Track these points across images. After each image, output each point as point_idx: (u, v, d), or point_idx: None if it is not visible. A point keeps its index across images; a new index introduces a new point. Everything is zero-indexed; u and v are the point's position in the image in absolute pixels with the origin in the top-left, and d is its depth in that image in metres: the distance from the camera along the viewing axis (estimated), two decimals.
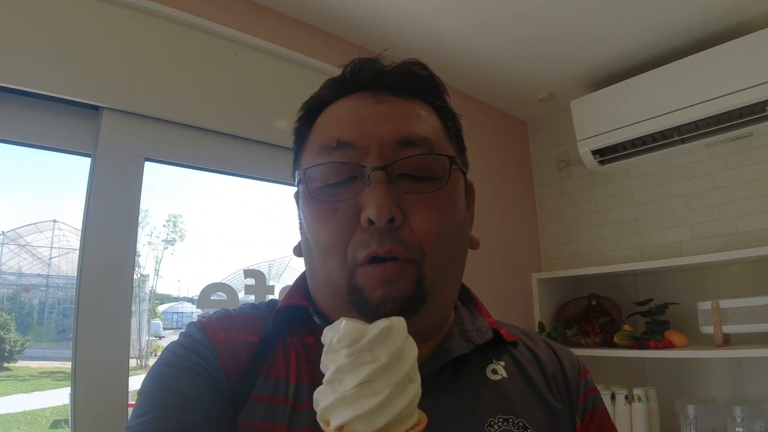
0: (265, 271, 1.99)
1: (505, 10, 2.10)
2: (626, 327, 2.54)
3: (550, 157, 3.16)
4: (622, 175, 2.81)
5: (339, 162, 0.64)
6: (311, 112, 0.74)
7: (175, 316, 2.43)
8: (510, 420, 0.64)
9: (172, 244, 2.05)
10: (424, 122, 0.68)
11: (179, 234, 2.05)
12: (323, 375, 0.57)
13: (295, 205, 0.76)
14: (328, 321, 0.67)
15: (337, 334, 0.38)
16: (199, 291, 1.78)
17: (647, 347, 2.34)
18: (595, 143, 2.59)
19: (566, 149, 3.04)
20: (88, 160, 1.56)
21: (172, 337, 1.42)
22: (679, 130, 2.36)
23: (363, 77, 0.70)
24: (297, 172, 0.71)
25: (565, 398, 0.72)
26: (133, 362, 1.74)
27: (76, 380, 1.39)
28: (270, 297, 1.89)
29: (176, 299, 2.33)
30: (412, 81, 0.70)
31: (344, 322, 0.39)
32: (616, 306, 2.73)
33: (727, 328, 2.14)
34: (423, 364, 0.62)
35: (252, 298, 1.88)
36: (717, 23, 2.24)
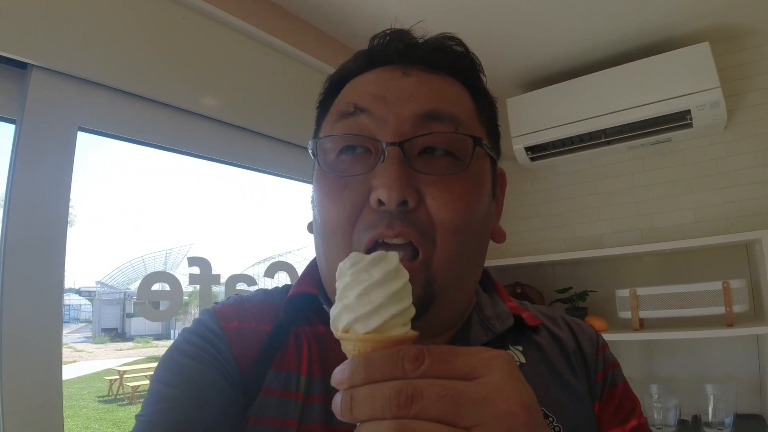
0: (161, 260, 1.90)
1: (446, 6, 2.16)
2: None
3: None
4: (549, 171, 3.00)
5: (352, 134, 0.60)
6: (335, 84, 0.70)
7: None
8: None
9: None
10: (454, 99, 0.63)
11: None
12: (334, 366, 0.60)
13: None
14: None
15: (344, 261, 0.45)
16: (90, 281, 1.66)
17: None
18: (528, 140, 2.74)
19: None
20: (11, 127, 1.34)
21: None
22: (605, 132, 2.56)
23: (392, 50, 0.65)
24: (310, 143, 0.66)
25: (584, 377, 0.70)
26: None
27: (3, 376, 1.21)
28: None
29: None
30: (446, 57, 0.65)
31: (351, 253, 0.45)
32: (539, 293, 2.92)
33: (643, 314, 2.37)
34: None
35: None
36: (646, 37, 2.46)
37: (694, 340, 2.40)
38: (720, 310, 2.16)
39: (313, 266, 0.73)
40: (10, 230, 1.28)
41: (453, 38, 0.67)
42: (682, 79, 2.28)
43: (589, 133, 2.59)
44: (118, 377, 6.74)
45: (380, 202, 0.55)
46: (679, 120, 2.34)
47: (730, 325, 2.14)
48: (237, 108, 1.85)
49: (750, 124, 2.41)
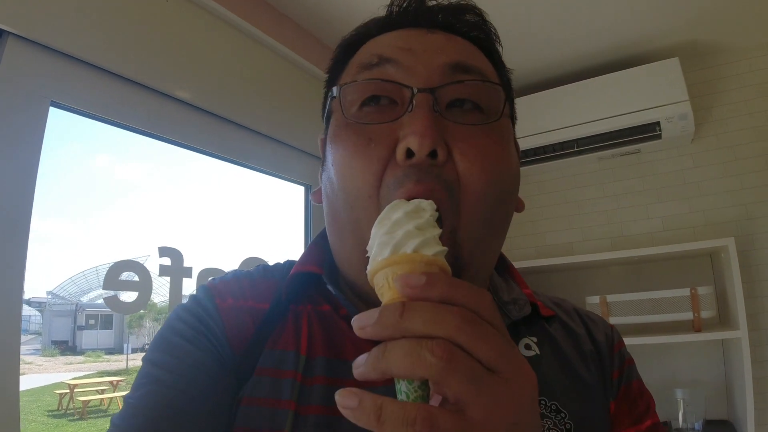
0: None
1: None
2: None
3: None
4: (521, 180, 3.03)
5: (380, 79, 0.57)
6: (351, 46, 0.66)
7: None
8: (542, 402, 0.59)
9: None
10: (479, 57, 0.62)
11: None
12: (339, 346, 0.60)
13: (320, 149, 0.68)
14: (349, 286, 0.64)
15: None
16: (40, 291, 1.53)
17: None
18: None
19: None
20: None
21: None
22: (577, 142, 2.62)
23: (411, 12, 0.63)
24: (334, 90, 0.62)
25: (599, 374, 0.67)
26: None
27: None
28: None
29: None
30: (466, 22, 0.64)
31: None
32: None
33: (613, 320, 2.42)
34: None
35: None
36: (619, 52, 2.55)
37: (663, 347, 2.46)
38: (688, 315, 2.23)
39: (317, 243, 0.70)
40: None
41: (473, 6, 0.65)
42: (653, 93, 2.37)
43: (561, 143, 2.64)
44: (68, 391, 6.46)
45: (409, 153, 0.52)
46: (649, 131, 2.42)
47: (699, 330, 2.21)
48: (216, 97, 1.80)
49: (716, 137, 2.52)
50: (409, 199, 0.49)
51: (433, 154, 0.52)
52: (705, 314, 2.21)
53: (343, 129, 0.58)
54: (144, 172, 1.91)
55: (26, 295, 1.37)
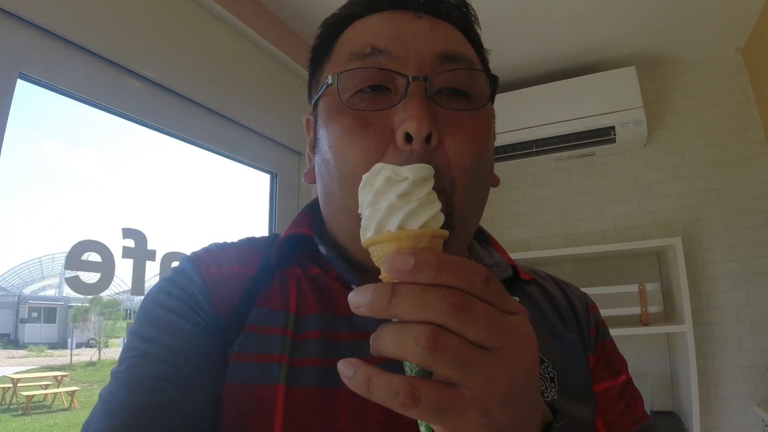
0: (60, 262, 1.70)
1: None
2: None
3: None
4: None
5: (377, 68, 0.59)
6: (334, 27, 0.67)
7: None
8: None
9: None
10: (464, 43, 0.65)
11: None
12: (331, 303, 0.61)
13: (306, 129, 0.71)
14: (339, 249, 0.65)
15: (370, 171, 0.43)
16: None
17: None
18: None
19: None
20: None
21: None
22: (536, 143, 2.71)
23: None
24: (317, 87, 0.64)
25: (577, 331, 0.71)
26: None
27: None
28: None
29: None
30: (447, 3, 0.66)
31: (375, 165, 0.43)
32: None
33: None
34: None
35: None
36: (578, 58, 2.65)
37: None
38: (636, 310, 2.35)
39: (307, 212, 0.72)
40: None
41: None
42: (609, 98, 2.48)
43: (521, 143, 2.72)
44: (11, 386, 6.21)
45: (407, 138, 0.55)
46: (604, 135, 2.53)
47: (646, 324, 2.34)
48: (182, 77, 1.78)
49: (667, 143, 2.66)
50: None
51: (428, 138, 0.55)
52: (652, 309, 2.34)
53: (340, 113, 0.60)
54: (95, 158, 1.84)
55: None
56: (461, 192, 0.58)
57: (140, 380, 0.53)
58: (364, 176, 0.43)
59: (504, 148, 2.78)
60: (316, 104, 0.66)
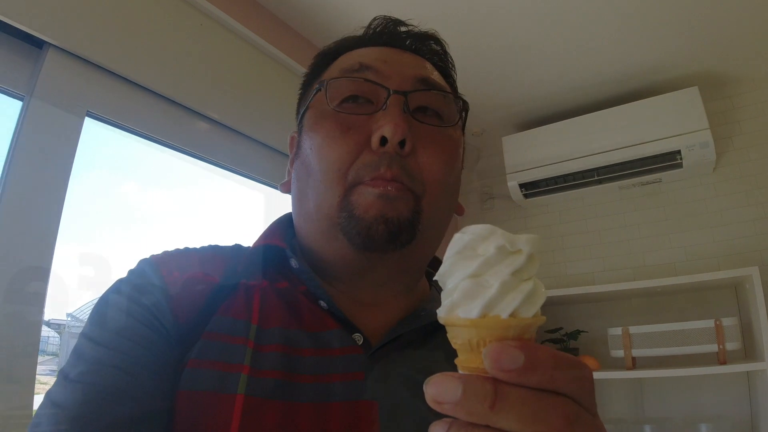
0: None
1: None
2: None
3: (474, 189, 3.35)
4: (541, 209, 3.04)
5: (363, 78, 0.64)
6: (327, 57, 0.73)
7: None
8: None
9: None
10: (441, 77, 0.71)
11: None
12: (297, 317, 0.61)
13: (290, 147, 0.74)
14: (309, 256, 0.67)
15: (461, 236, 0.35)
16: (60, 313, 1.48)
17: None
18: (522, 177, 2.79)
19: (491, 182, 3.24)
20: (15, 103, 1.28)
21: None
22: (597, 171, 2.62)
23: (387, 34, 0.72)
24: (319, 84, 0.67)
25: None
26: None
27: None
28: None
29: None
30: (430, 48, 0.74)
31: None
32: None
33: (636, 352, 2.37)
34: (399, 323, 0.63)
35: None
36: (639, 80, 2.57)
37: (686, 380, 2.39)
38: (713, 347, 2.17)
39: (279, 224, 0.72)
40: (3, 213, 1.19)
41: (434, 36, 0.75)
42: (673, 121, 2.38)
43: (582, 172, 2.65)
44: None
45: (382, 141, 0.59)
46: (670, 160, 2.41)
47: (723, 363, 2.15)
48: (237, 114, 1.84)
49: (737, 166, 2.50)
50: (376, 186, 0.58)
51: (402, 144, 0.59)
52: (730, 346, 2.15)
53: (325, 118, 0.64)
54: (170, 198, 1.95)
55: (46, 316, 1.36)
56: (429, 198, 0.62)
57: (95, 392, 0.50)
58: (462, 237, 0.35)
59: (564, 178, 2.71)
60: (302, 117, 0.70)
